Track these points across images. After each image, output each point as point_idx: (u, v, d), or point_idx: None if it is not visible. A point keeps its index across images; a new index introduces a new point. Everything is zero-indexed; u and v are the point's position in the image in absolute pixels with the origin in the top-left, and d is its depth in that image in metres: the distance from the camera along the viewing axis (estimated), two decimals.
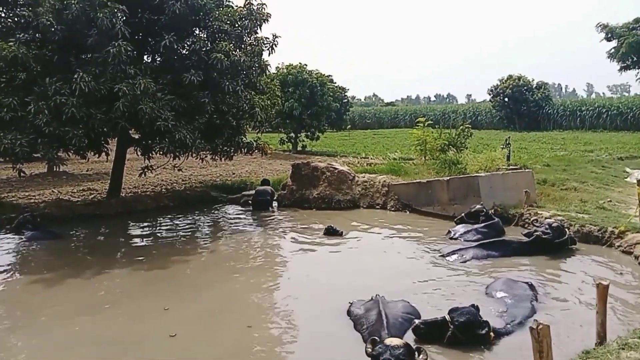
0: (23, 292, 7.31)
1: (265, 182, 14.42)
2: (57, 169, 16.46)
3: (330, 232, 10.10)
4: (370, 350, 4.21)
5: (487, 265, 8.09)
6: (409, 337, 5.18)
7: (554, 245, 8.45)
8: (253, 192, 13.94)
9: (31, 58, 9.78)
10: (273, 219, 12.38)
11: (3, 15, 10.88)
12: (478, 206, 10.32)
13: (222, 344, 5.59)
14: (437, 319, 5.27)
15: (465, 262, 8.21)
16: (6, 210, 11.55)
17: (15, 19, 10.58)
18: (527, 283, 6.70)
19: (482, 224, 9.85)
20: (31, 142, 9.66)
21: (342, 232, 10.19)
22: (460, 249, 8.63)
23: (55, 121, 9.68)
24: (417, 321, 5.35)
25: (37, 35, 10.42)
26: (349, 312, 6.09)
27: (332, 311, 6.27)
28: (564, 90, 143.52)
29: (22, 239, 10.05)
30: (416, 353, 4.13)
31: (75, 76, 9.56)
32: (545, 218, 9.64)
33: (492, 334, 5.18)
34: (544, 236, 8.45)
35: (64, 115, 9.64)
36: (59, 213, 11.91)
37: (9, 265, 8.62)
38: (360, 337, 5.40)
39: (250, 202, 13.60)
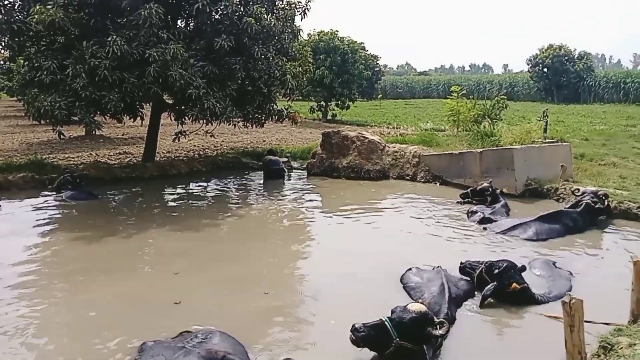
0: (60, 248, 7.62)
1: (271, 152, 14.33)
2: (94, 133, 16.90)
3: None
4: None
5: (533, 243, 7.73)
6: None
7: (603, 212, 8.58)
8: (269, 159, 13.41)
9: (69, 22, 9.90)
10: (300, 187, 12.47)
11: None
12: (485, 184, 10.07)
13: (233, 309, 5.57)
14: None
15: (529, 239, 7.80)
16: (48, 170, 12.03)
17: None
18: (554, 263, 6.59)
19: (500, 205, 9.38)
20: (69, 105, 9.92)
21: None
22: (520, 224, 8.16)
23: (92, 85, 9.88)
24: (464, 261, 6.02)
25: None
26: (403, 278, 6.08)
27: (363, 280, 6.25)
28: (607, 61, 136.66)
29: (62, 198, 10.48)
30: (437, 326, 3.97)
31: (109, 39, 9.67)
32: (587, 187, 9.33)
33: (517, 285, 5.43)
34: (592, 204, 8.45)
35: (97, 78, 9.80)
36: (96, 175, 12.33)
37: (48, 222, 9.01)
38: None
39: (264, 171, 13.27)
